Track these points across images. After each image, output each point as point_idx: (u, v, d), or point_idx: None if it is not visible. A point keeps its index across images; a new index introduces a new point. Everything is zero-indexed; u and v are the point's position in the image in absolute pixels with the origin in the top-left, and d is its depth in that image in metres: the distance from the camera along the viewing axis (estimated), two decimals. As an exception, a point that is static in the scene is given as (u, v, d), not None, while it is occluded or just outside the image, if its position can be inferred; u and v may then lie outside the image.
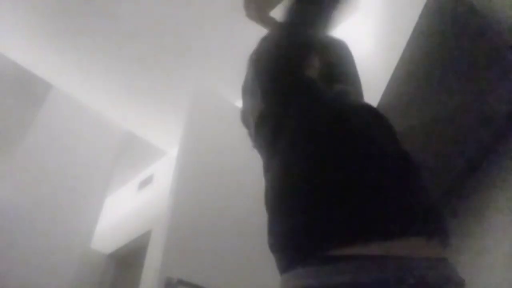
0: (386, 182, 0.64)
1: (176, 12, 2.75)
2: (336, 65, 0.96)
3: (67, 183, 3.13)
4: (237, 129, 2.26)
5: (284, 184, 0.68)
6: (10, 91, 3.30)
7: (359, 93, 0.99)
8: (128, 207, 3.87)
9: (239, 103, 3.19)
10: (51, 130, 3.19)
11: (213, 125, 2.00)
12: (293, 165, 0.68)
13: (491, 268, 1.02)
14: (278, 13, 0.87)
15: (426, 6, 1.30)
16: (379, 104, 1.68)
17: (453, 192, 1.15)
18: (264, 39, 0.97)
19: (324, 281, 0.56)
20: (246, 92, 0.96)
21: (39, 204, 2.94)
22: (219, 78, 3.07)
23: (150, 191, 3.71)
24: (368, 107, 0.82)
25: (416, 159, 0.72)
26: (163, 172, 3.73)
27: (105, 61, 3.10)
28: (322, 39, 0.91)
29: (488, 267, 1.03)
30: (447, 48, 1.17)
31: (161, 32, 2.88)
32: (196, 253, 1.50)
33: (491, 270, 1.03)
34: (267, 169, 0.76)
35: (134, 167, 4.08)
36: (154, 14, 2.77)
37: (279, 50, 0.81)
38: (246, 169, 1.97)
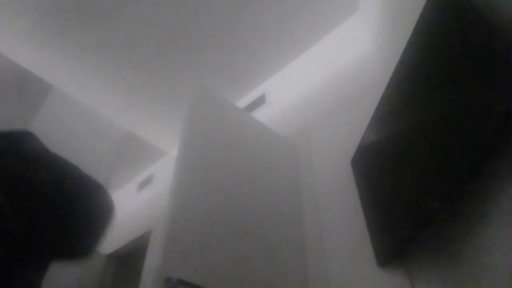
0: None
1: (176, 13, 2.76)
2: None
3: (67, 183, 3.13)
4: (237, 129, 2.25)
5: None
6: (10, 91, 3.30)
7: None
8: (128, 207, 3.86)
9: (239, 103, 3.19)
10: (51, 130, 3.19)
11: (213, 125, 1.99)
12: None
13: (493, 266, 1.02)
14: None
15: (426, 6, 1.30)
16: (379, 104, 1.68)
17: (453, 192, 1.15)
18: None
19: None
20: None
21: (39, 204, 2.94)
22: (219, 78, 3.07)
23: (150, 191, 3.71)
24: None
25: None
26: (163, 172, 3.73)
27: (105, 61, 3.10)
28: None
29: (490, 266, 1.03)
30: (447, 48, 1.17)
31: (161, 32, 2.88)
32: (196, 253, 1.49)
33: (492, 269, 1.03)
34: None
35: (134, 167, 4.09)
36: (154, 14, 2.77)
37: None
38: (246, 169, 1.97)
